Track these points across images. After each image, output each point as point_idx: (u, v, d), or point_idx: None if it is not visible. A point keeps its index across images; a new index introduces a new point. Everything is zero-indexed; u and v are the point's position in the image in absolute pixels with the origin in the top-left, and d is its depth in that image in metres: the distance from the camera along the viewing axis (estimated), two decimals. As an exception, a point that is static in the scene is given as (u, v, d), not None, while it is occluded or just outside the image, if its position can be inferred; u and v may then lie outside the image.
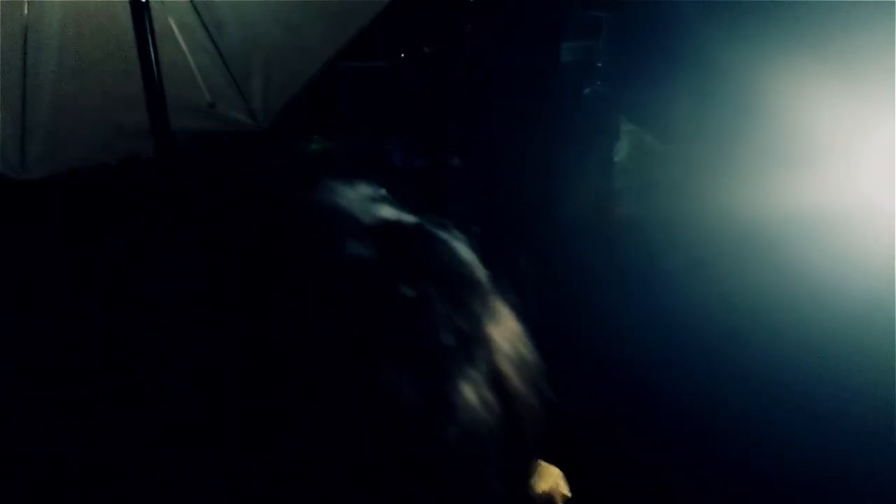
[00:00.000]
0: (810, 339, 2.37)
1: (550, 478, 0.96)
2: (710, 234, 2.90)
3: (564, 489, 0.97)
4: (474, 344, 0.51)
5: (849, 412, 2.12)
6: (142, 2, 1.96)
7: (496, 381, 0.51)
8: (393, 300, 0.49)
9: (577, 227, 2.89)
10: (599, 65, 3.12)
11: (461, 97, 3.58)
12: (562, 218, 2.98)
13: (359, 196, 0.53)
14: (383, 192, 0.58)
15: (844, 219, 2.80)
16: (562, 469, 0.96)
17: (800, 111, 3.01)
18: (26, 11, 2.44)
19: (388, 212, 0.57)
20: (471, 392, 0.48)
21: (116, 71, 2.60)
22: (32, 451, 0.49)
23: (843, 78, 2.85)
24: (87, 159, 2.67)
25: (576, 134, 3.05)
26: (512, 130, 3.30)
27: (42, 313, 0.53)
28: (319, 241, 0.50)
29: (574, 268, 2.67)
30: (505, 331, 0.55)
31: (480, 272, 0.57)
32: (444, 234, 0.58)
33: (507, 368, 0.53)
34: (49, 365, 0.50)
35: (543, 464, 0.95)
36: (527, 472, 0.57)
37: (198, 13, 2.60)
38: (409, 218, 0.58)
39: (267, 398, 0.44)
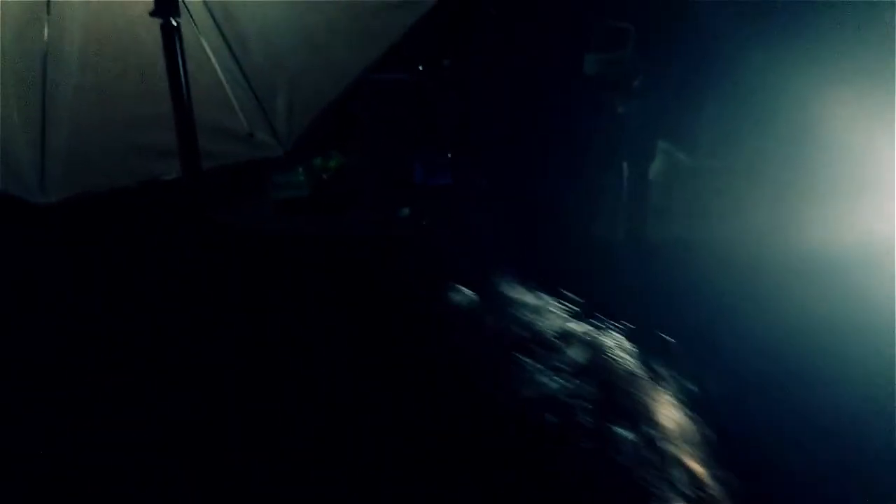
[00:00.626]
0: (850, 362, 2.31)
1: None
2: (745, 255, 2.83)
3: None
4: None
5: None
6: (173, 26, 1.87)
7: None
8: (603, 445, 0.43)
9: (611, 246, 2.83)
10: (636, 83, 3.03)
11: (485, 111, 3.50)
12: (595, 236, 2.91)
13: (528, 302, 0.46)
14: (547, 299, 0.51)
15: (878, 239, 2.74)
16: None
17: (837, 128, 2.94)
18: (46, 34, 2.36)
19: (555, 320, 0.49)
20: None
21: (137, 92, 2.53)
22: (32, 449, 0.44)
23: (881, 99, 2.79)
24: (106, 182, 2.59)
25: (609, 151, 2.98)
26: (539, 145, 3.23)
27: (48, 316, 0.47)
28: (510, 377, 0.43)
29: (611, 289, 2.60)
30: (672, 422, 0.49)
31: (643, 371, 0.51)
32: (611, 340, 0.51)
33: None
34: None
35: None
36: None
37: (221, 32, 2.52)
38: (578, 327, 0.51)
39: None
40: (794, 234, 2.88)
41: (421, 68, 3.94)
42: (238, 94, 2.59)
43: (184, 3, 2.12)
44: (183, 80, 1.95)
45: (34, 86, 2.41)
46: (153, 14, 1.93)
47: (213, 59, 2.47)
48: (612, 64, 3.48)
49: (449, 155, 3.51)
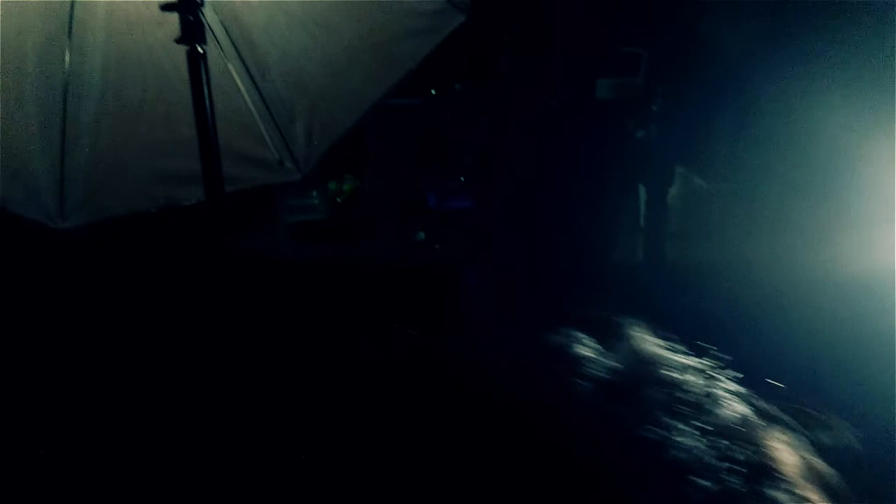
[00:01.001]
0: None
1: None
2: (762, 280, 2.82)
3: None
4: None
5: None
6: (199, 53, 1.87)
7: None
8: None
9: (633, 271, 2.82)
10: (654, 108, 3.04)
11: (497, 137, 3.51)
12: (614, 262, 2.91)
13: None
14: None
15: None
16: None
17: (851, 153, 2.95)
18: (68, 59, 2.37)
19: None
20: None
21: (157, 117, 2.53)
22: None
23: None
24: (125, 207, 2.60)
25: (628, 176, 2.98)
26: (555, 170, 3.23)
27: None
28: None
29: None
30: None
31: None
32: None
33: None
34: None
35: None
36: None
37: (242, 58, 2.52)
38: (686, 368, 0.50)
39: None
40: (816, 257, 2.88)
41: (433, 93, 3.96)
42: (257, 120, 2.59)
43: (210, 30, 2.13)
44: (208, 106, 1.95)
45: (55, 111, 2.41)
46: (179, 41, 1.94)
47: (235, 85, 2.47)
48: (625, 88, 3.50)
49: (462, 179, 3.52)
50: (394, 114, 3.70)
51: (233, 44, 2.50)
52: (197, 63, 1.92)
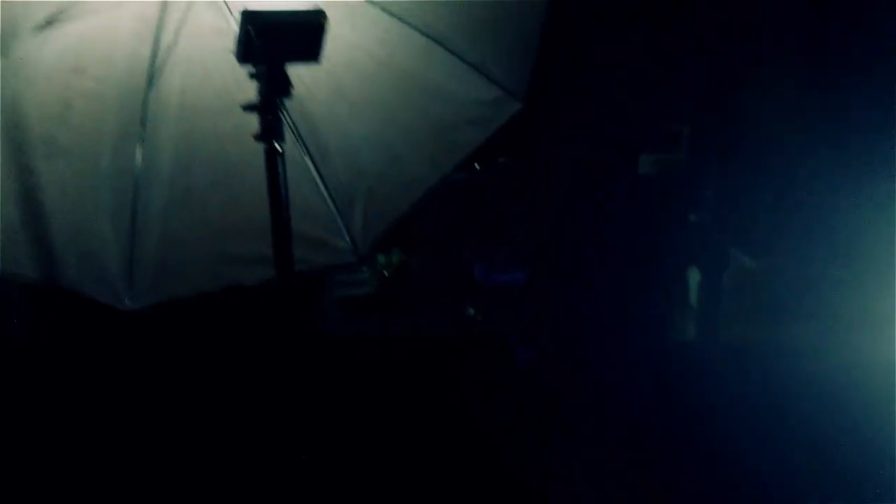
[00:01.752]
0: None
1: None
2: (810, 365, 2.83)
3: None
4: None
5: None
6: (278, 152, 1.95)
7: None
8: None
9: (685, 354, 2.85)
10: (708, 193, 3.09)
11: (545, 212, 3.57)
12: (668, 344, 2.94)
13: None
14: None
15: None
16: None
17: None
18: (140, 148, 2.46)
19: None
20: None
21: (223, 202, 2.61)
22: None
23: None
24: (190, 288, 2.66)
25: (681, 261, 3.02)
26: (602, 248, 3.28)
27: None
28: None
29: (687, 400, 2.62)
30: None
31: None
32: None
33: None
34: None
35: None
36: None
37: (306, 146, 2.61)
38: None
39: None
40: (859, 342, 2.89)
41: (477, 166, 4.04)
42: (318, 203, 2.67)
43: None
44: (284, 198, 2.00)
45: (127, 197, 2.49)
46: (258, 138, 2.01)
47: (298, 171, 2.55)
48: (667, 164, 3.56)
49: (510, 252, 3.55)
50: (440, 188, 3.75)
51: (297, 132, 2.58)
52: (274, 160, 1.98)
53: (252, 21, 1.76)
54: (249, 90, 2.54)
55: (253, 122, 2.53)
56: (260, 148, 2.44)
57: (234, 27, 2.32)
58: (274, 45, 1.83)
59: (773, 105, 3.61)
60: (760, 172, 3.49)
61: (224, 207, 2.61)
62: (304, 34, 1.84)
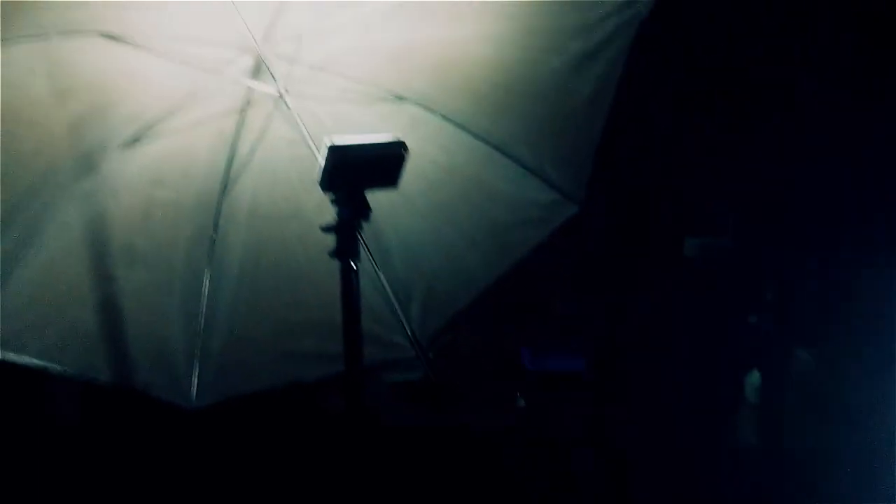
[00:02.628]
0: None
1: None
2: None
3: None
4: None
5: None
6: (353, 270, 2.02)
7: None
8: None
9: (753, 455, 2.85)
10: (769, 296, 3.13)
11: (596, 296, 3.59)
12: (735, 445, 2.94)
13: None
14: None
15: None
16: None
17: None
18: (212, 249, 2.55)
19: None
20: None
21: (287, 301, 2.70)
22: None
23: None
24: (253, 386, 2.73)
25: (740, 363, 3.04)
26: (658, 347, 3.30)
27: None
28: None
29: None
30: None
31: None
32: None
33: None
34: None
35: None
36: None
37: (367, 248, 2.68)
38: None
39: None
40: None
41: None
42: (379, 301, 2.74)
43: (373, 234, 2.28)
44: (357, 310, 2.06)
45: (196, 297, 2.58)
46: (333, 255, 2.08)
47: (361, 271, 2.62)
48: (713, 250, 3.59)
49: (560, 335, 3.54)
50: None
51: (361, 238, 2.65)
52: (349, 276, 2.05)
53: (338, 155, 1.84)
54: (316, 195, 2.66)
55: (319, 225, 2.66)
56: (325, 248, 2.56)
57: (306, 136, 2.45)
58: (356, 175, 1.90)
59: (823, 195, 3.59)
60: (808, 259, 3.49)
61: (288, 307, 2.69)
62: (385, 164, 1.91)
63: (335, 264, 2.21)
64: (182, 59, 2.25)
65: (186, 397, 2.59)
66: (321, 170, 1.89)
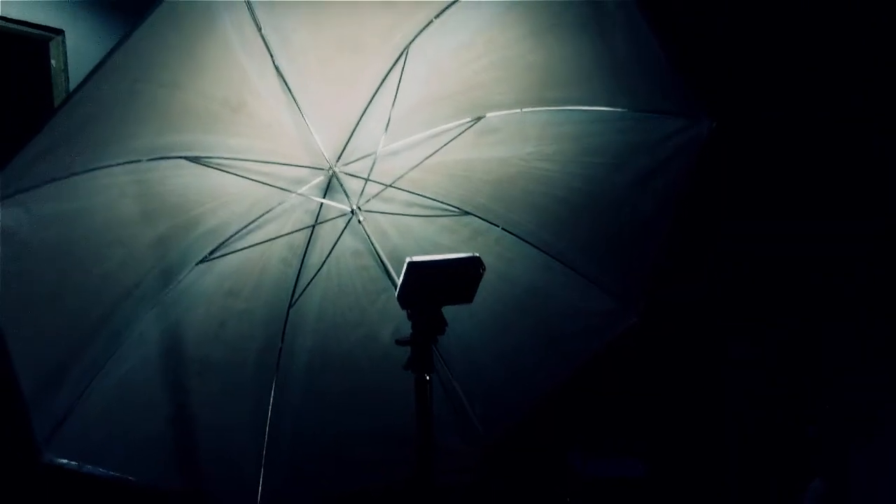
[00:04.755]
0: None
1: None
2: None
3: None
4: None
5: None
6: (426, 379, 2.06)
7: None
8: None
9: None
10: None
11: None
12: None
13: None
14: None
15: None
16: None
17: None
18: (279, 359, 2.61)
19: None
20: None
21: (352, 409, 2.73)
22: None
23: None
24: (317, 493, 2.75)
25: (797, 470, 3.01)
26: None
27: None
28: None
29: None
30: None
31: None
32: None
33: None
34: None
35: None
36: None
37: (443, 360, 2.74)
38: None
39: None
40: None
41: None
42: (443, 411, 2.77)
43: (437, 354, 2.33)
44: (431, 420, 2.08)
45: (264, 407, 2.63)
46: (407, 368, 2.12)
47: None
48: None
49: (617, 436, 3.45)
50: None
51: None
52: (424, 387, 2.09)
53: (416, 272, 1.90)
54: (379, 304, 2.75)
55: (382, 331, 2.73)
56: (386, 354, 2.61)
57: (373, 249, 2.54)
58: (433, 291, 1.96)
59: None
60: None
61: (351, 414, 2.74)
62: (462, 280, 1.97)
63: (397, 371, 2.26)
64: (260, 178, 2.35)
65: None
66: (399, 285, 1.94)
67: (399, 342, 2.11)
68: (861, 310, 3.30)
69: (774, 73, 3.62)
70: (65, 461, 2.20)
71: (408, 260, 1.90)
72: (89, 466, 2.24)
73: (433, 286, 1.97)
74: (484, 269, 1.97)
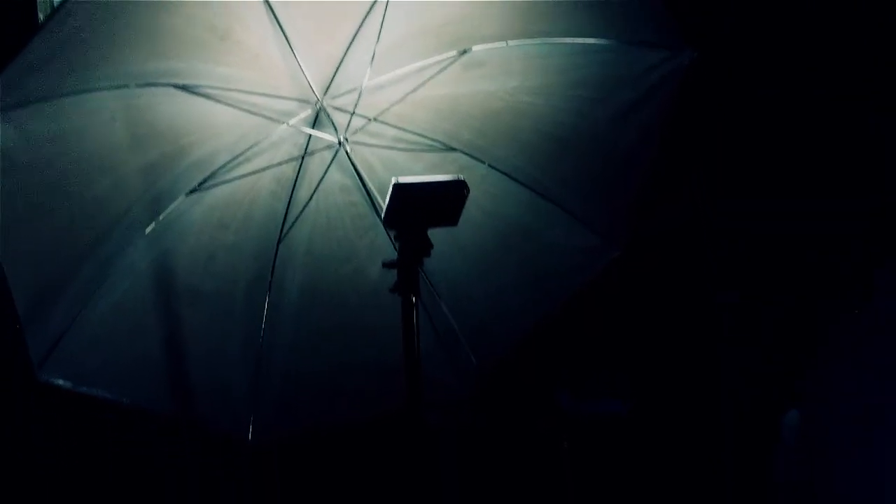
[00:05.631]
0: None
1: None
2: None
3: None
4: None
5: None
6: (413, 302, 2.10)
7: None
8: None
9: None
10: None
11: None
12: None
13: None
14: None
15: None
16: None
17: None
18: (268, 292, 2.65)
19: None
20: None
21: (341, 342, 2.78)
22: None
23: None
24: (308, 425, 2.81)
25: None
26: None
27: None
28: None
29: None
30: None
31: None
32: None
33: None
34: None
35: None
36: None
37: (429, 282, 2.76)
38: None
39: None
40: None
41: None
42: (430, 343, 2.81)
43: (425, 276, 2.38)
44: (417, 344, 2.13)
45: (254, 340, 2.68)
46: (394, 291, 2.16)
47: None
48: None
49: (605, 376, 3.47)
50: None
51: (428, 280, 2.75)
52: (410, 310, 2.13)
53: (402, 193, 1.94)
54: (368, 240, 2.79)
55: (371, 266, 2.76)
56: (375, 290, 2.65)
57: (361, 181, 2.58)
58: (419, 213, 2.00)
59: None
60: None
61: (340, 347, 2.78)
62: (447, 202, 2.01)
63: (386, 305, 2.31)
64: (248, 109, 2.38)
65: (244, 434, 2.66)
66: (385, 207, 1.98)
67: (386, 265, 2.15)
68: (857, 287, 3.33)
69: (770, 50, 3.64)
70: (60, 382, 2.24)
71: (394, 180, 1.94)
72: (84, 388, 2.29)
73: (418, 207, 2.00)
74: (468, 191, 2.00)
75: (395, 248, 2.08)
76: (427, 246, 2.10)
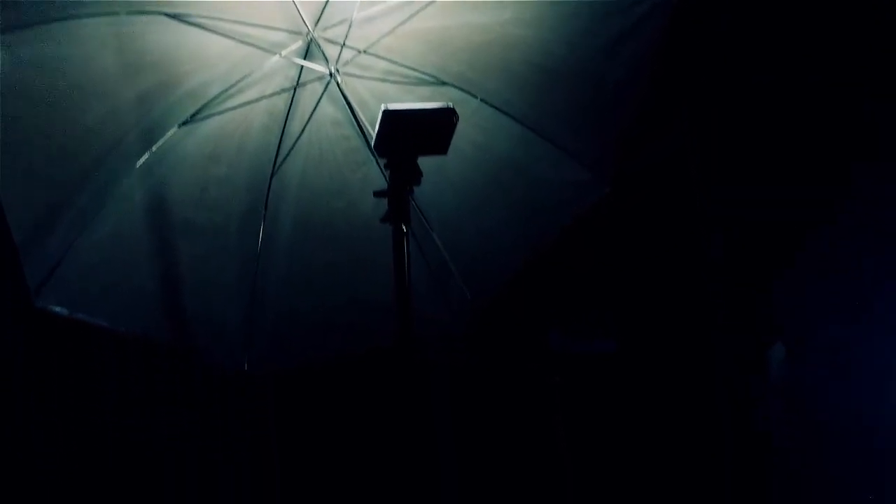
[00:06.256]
0: None
1: None
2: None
3: None
4: None
5: None
6: (403, 231, 2.13)
7: None
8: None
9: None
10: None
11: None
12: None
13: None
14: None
15: None
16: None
17: None
18: (262, 224, 2.68)
19: None
20: None
21: (335, 275, 2.82)
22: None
23: None
24: (303, 357, 2.86)
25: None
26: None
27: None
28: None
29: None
30: None
31: None
32: None
33: None
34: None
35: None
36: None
37: (420, 211, 2.79)
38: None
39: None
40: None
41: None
42: (422, 279, 2.85)
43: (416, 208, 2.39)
44: (408, 274, 2.16)
45: (248, 273, 2.71)
46: (384, 220, 2.18)
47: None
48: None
49: (595, 316, 3.50)
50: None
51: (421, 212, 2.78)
52: (401, 240, 2.15)
53: (391, 119, 1.95)
54: (360, 173, 2.81)
55: (363, 201, 2.78)
56: (368, 224, 2.68)
57: (352, 113, 2.59)
58: (409, 140, 2.01)
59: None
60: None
61: (333, 282, 2.82)
62: (436, 129, 2.02)
63: (379, 240, 2.33)
64: (240, 39, 2.38)
65: (240, 363, 2.71)
66: (375, 134, 1.99)
67: (377, 193, 2.16)
68: (851, 274, 3.34)
69: (765, 37, 3.61)
70: (57, 308, 2.28)
71: (383, 107, 1.95)
72: (80, 314, 2.33)
73: (408, 134, 2.01)
74: (457, 119, 2.01)
75: (386, 180, 2.09)
76: (417, 174, 2.11)
